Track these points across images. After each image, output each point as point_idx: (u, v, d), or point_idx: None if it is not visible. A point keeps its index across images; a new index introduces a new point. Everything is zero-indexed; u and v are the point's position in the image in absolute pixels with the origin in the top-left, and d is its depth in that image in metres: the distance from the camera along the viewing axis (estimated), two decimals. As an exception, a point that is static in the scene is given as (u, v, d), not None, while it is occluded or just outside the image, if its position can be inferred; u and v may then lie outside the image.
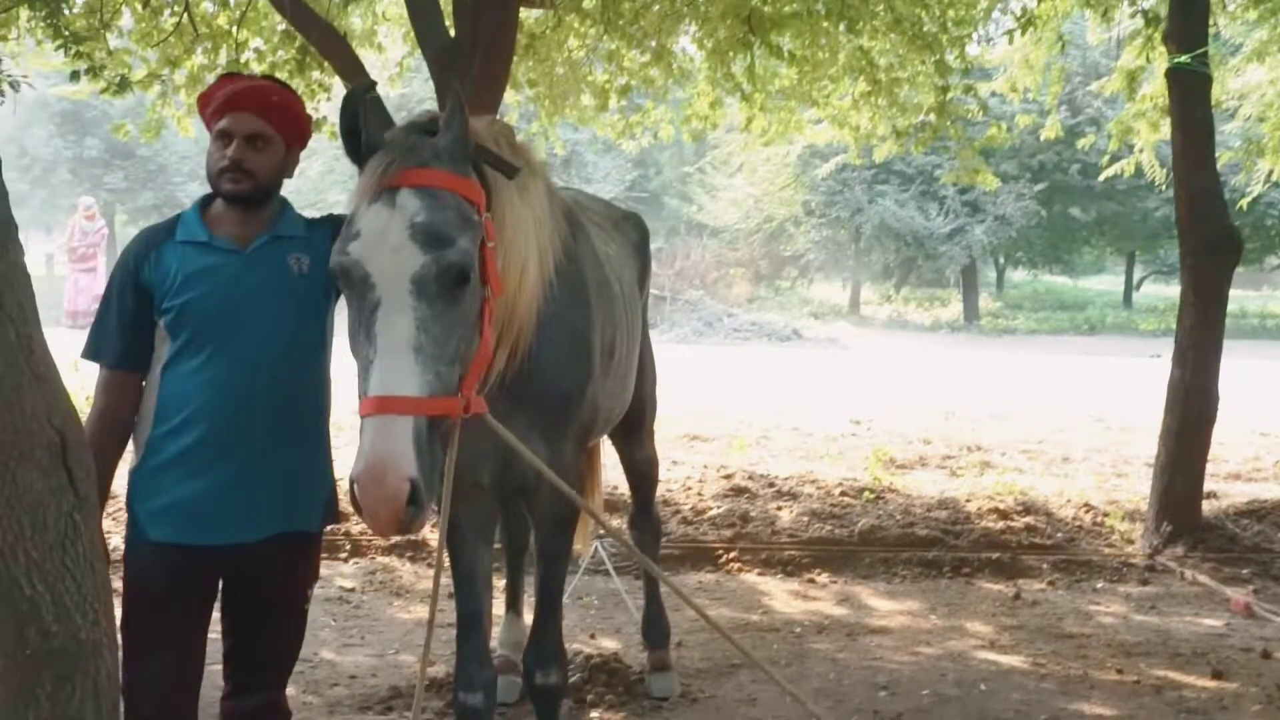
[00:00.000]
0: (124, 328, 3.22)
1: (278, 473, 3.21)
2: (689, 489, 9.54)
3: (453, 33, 8.23)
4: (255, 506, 3.18)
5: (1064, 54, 11.48)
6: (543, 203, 3.37)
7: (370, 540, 7.66)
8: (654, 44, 10.85)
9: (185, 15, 9.31)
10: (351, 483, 2.63)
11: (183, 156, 33.38)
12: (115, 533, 4.54)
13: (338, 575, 7.19)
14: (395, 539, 7.47)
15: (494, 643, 5.33)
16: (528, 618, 5.70)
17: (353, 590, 6.91)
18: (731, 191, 34.76)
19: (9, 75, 5.78)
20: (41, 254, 31.89)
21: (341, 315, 3.12)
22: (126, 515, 3.25)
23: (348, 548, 7.58)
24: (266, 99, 3.25)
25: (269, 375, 3.16)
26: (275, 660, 3.45)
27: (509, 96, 11.85)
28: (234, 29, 9.83)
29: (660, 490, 9.43)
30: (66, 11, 8.31)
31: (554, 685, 3.84)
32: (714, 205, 35.34)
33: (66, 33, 6.05)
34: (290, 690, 5.15)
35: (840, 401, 14.84)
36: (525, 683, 3.96)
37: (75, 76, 6.48)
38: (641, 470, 5.33)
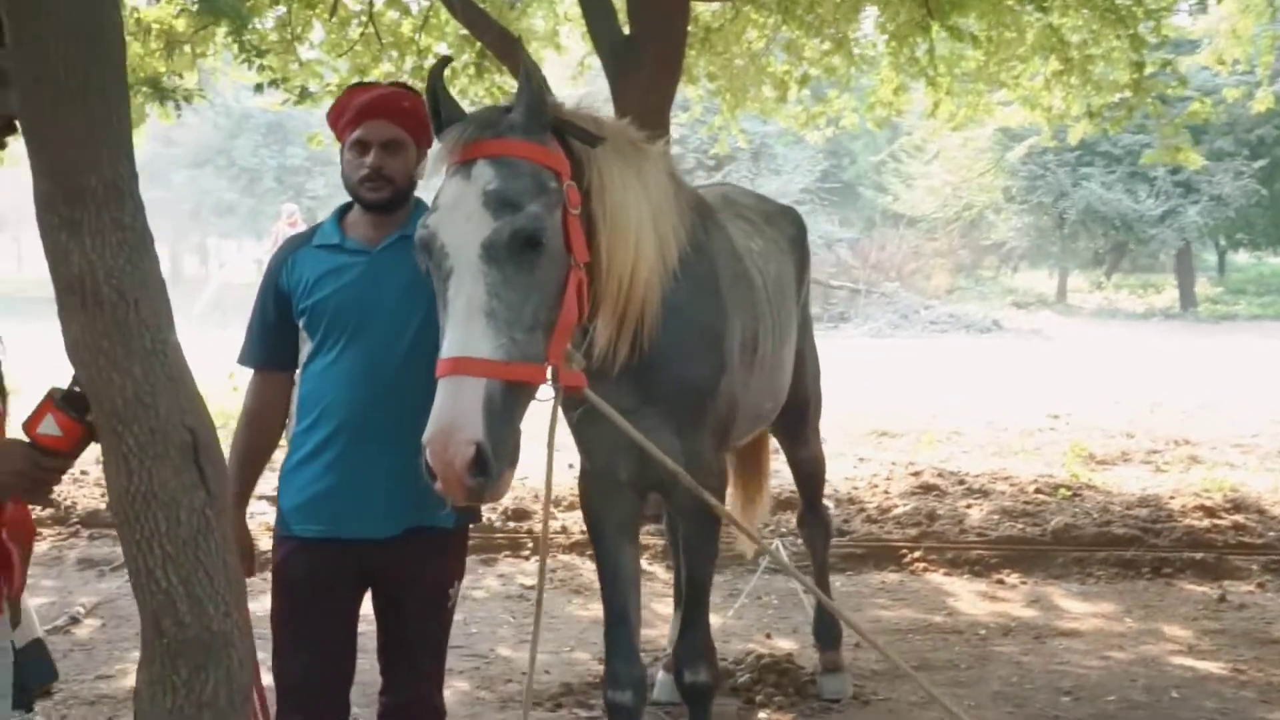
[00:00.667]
0: (266, 332, 3.39)
1: (409, 467, 3.17)
2: (875, 487, 9.42)
3: (626, 30, 8.31)
4: (388, 500, 3.25)
5: (1275, 20, 10.89)
6: (664, 193, 3.35)
7: (553, 538, 7.81)
8: (833, 31, 10.77)
9: (370, 25, 9.70)
10: (423, 446, 2.66)
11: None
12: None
13: (519, 573, 7.34)
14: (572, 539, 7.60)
15: (665, 641, 5.39)
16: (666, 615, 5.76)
17: (532, 587, 7.04)
18: (928, 179, 34.09)
19: (185, 90, 6.12)
20: (251, 259, 33.56)
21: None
22: (276, 511, 3.42)
23: (530, 545, 7.73)
24: (398, 105, 3.34)
25: (397, 370, 3.23)
26: (420, 657, 3.49)
27: (691, 91, 11.96)
28: (417, 35, 10.20)
29: (845, 488, 9.40)
30: (258, 26, 8.80)
31: (703, 683, 3.83)
32: (910, 194, 34.72)
33: (251, 48, 6.34)
34: (464, 685, 5.39)
35: (1039, 395, 14.40)
36: (675, 681, 3.97)
37: (259, 89, 6.82)
38: (807, 468, 5.27)
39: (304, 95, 7.49)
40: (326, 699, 3.39)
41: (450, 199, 2.83)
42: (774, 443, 5.51)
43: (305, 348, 3.35)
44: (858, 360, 18.84)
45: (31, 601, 6.97)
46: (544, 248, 2.83)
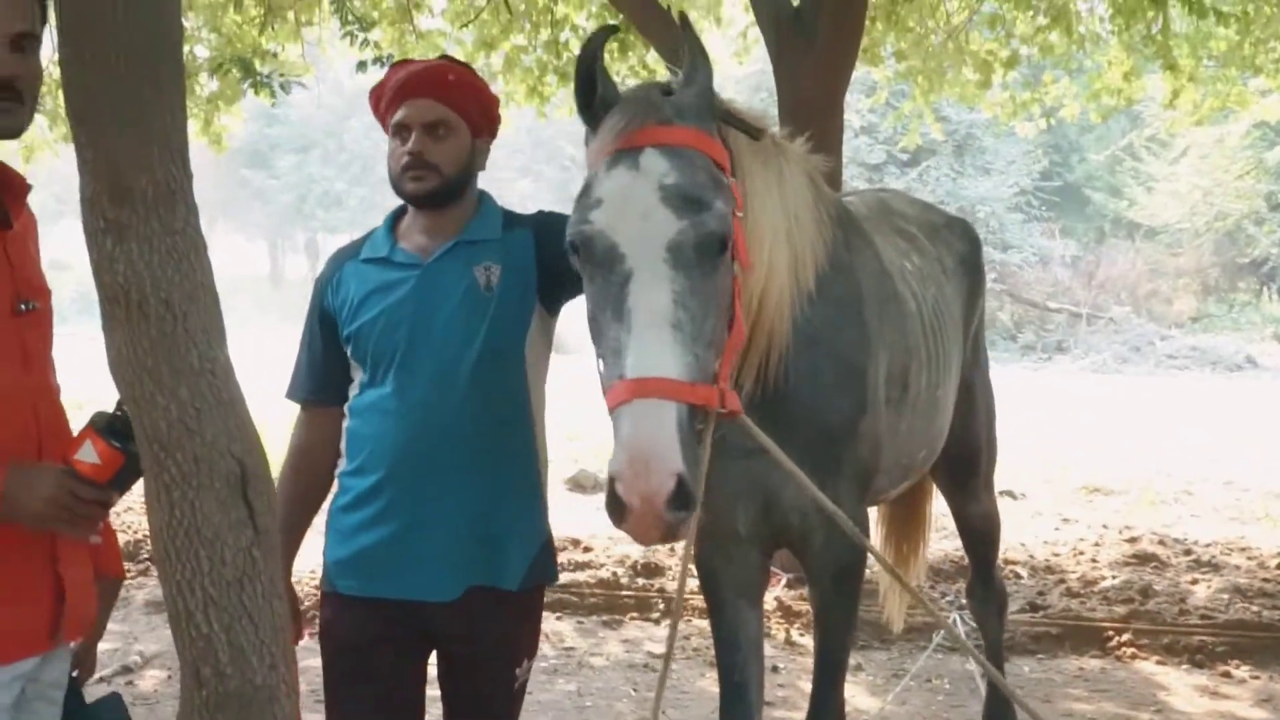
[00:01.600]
0: (312, 360, 3.43)
1: (468, 520, 3.27)
2: (1080, 554, 9.29)
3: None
4: (447, 558, 3.26)
5: None
6: (802, 201, 3.37)
7: (689, 599, 7.87)
8: (1048, 3, 10.64)
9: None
10: (610, 480, 2.63)
11: (514, 150, 35.14)
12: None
13: (647, 638, 7.41)
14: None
15: None
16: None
17: (660, 656, 7.10)
18: (1172, 182, 33.26)
19: (280, 72, 6.36)
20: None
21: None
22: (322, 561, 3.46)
23: (661, 606, 7.81)
24: (443, 79, 3.29)
25: (456, 404, 3.22)
26: None
27: (878, 73, 11.94)
28: (553, 3, 10.39)
29: (1043, 554, 9.30)
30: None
31: (834, 765, 3.87)
32: (1149, 200, 33.91)
33: (355, 19, 6.57)
34: (574, 764, 5.51)
35: (1297, 450, 13.99)
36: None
37: (363, 66, 7.03)
38: (977, 528, 5.25)
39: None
40: None
41: (618, 192, 2.81)
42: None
43: (356, 378, 3.36)
44: (1073, 400, 18.53)
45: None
46: (727, 253, 2.86)
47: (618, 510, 2.60)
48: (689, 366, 2.69)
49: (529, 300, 3.34)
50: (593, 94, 2.95)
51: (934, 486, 5.24)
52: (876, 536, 5.71)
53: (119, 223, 2.21)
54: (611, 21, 4.44)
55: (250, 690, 2.22)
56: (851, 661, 7.07)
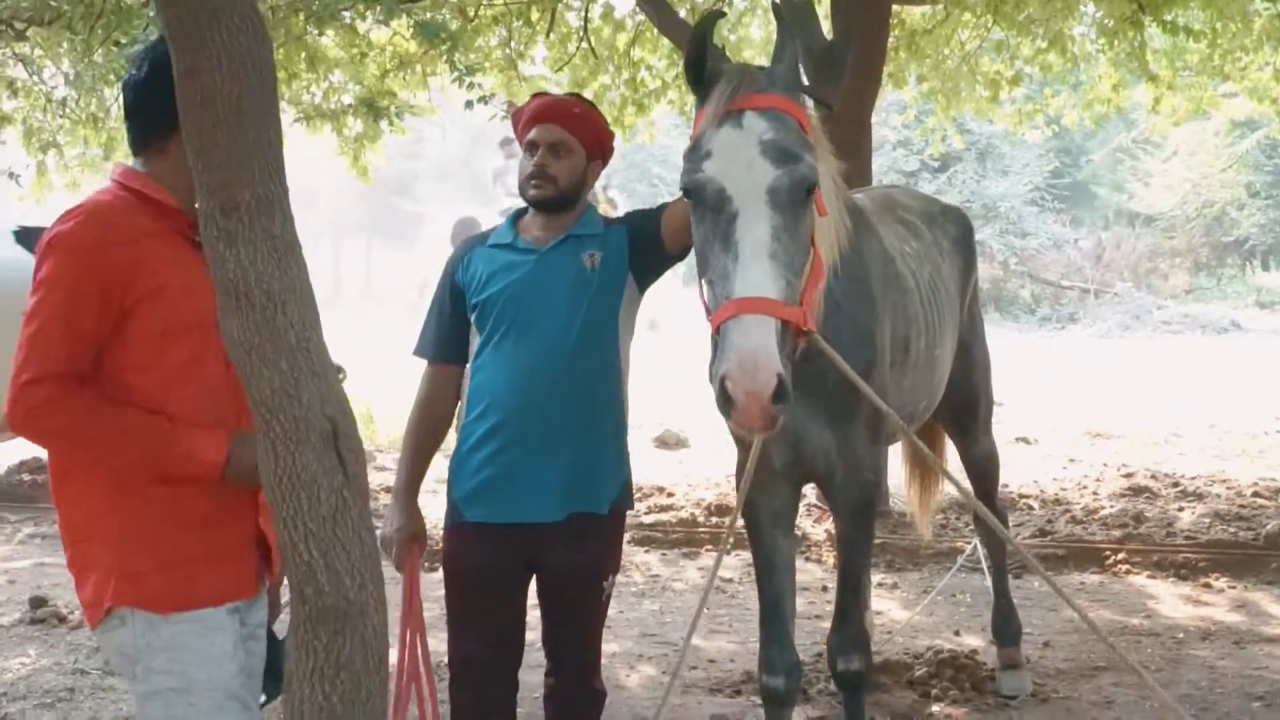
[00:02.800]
0: (440, 325, 3.56)
1: (570, 456, 3.38)
2: (1084, 488, 9.13)
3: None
4: (550, 487, 3.36)
5: None
6: (833, 190, 3.38)
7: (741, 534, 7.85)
8: (1045, 30, 10.44)
9: (586, 41, 9.98)
10: (721, 380, 2.69)
11: (609, 171, 35.17)
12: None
13: (721, 567, 7.42)
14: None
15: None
16: (876, 609, 5.72)
17: (730, 580, 7.10)
18: (1166, 177, 32.47)
19: (400, 107, 6.46)
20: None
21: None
22: (446, 500, 3.56)
23: (732, 541, 7.80)
24: (569, 111, 3.47)
25: (560, 364, 3.34)
26: (577, 643, 3.59)
27: (905, 93, 11.83)
28: (631, 50, 10.40)
29: (1053, 489, 9.14)
30: (481, 45, 9.20)
31: (855, 672, 3.82)
32: (1146, 192, 33.14)
33: (461, 68, 6.67)
34: (650, 670, 5.53)
35: (1271, 398, 13.58)
36: (829, 669, 3.98)
37: (469, 105, 7.15)
38: (980, 466, 5.17)
39: (509, 112, 7.79)
40: (496, 678, 3.51)
41: (725, 146, 2.90)
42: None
43: (475, 341, 3.48)
44: (1083, 363, 18.17)
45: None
46: (812, 198, 2.95)
47: (727, 405, 2.68)
48: (783, 289, 2.78)
49: (622, 280, 3.48)
50: (702, 68, 3.05)
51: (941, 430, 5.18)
52: (902, 472, 5.68)
53: (228, 230, 2.25)
54: (717, 9, 4.48)
55: (345, 605, 2.25)
56: (888, 580, 7.06)
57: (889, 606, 6.60)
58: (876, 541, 7.51)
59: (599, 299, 3.42)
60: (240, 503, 2.54)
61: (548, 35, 9.84)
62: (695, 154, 2.95)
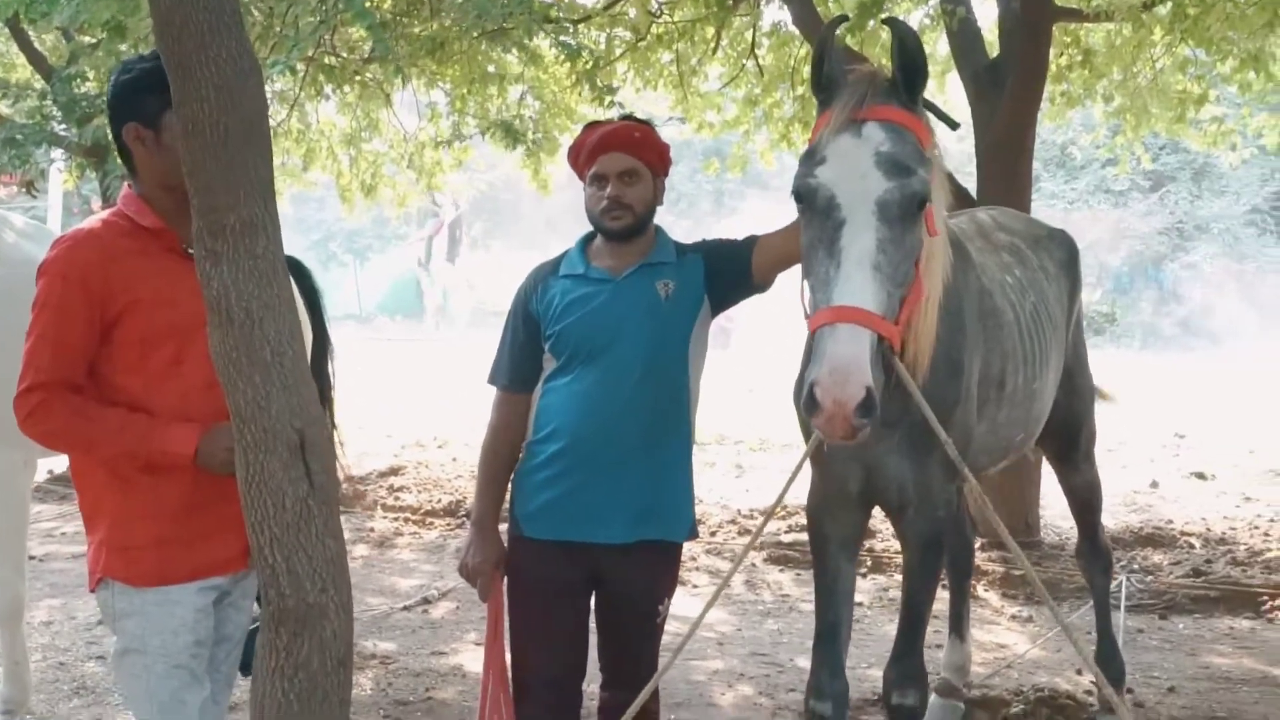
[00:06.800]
0: (515, 353, 3.56)
1: (638, 481, 3.38)
2: (1255, 528, 8.62)
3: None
4: (616, 510, 3.37)
5: None
6: (941, 217, 3.27)
7: (893, 557, 7.71)
8: (1239, 48, 9.93)
9: (753, 58, 10.03)
10: (810, 386, 2.69)
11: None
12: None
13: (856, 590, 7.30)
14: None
15: (938, 667, 5.20)
16: (973, 641, 5.52)
17: (860, 604, 6.99)
18: None
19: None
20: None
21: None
22: (509, 515, 3.60)
23: (868, 564, 7.67)
24: (630, 137, 3.43)
25: (631, 391, 3.35)
26: (631, 662, 3.58)
27: (1096, 111, 11.44)
28: (799, 68, 10.36)
29: (1220, 527, 8.63)
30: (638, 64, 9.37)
31: (909, 706, 3.70)
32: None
33: (600, 87, 6.82)
34: (747, 689, 5.50)
35: None
36: (883, 701, 3.88)
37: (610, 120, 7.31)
38: (1081, 496, 4.95)
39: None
40: (560, 693, 3.53)
41: (841, 154, 2.90)
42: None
43: (549, 367, 3.50)
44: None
45: (405, 583, 7.67)
46: (922, 215, 2.91)
47: (814, 410, 2.67)
48: (882, 302, 2.76)
49: (695, 308, 3.47)
50: (821, 70, 3.05)
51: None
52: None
53: (215, 251, 2.38)
54: (841, 14, 4.44)
55: (304, 608, 2.36)
56: (1023, 614, 6.81)
57: (1017, 640, 6.39)
58: (1017, 573, 7.29)
59: (670, 326, 3.42)
60: (225, 486, 2.68)
61: (713, 53, 9.91)
62: (810, 159, 2.94)
